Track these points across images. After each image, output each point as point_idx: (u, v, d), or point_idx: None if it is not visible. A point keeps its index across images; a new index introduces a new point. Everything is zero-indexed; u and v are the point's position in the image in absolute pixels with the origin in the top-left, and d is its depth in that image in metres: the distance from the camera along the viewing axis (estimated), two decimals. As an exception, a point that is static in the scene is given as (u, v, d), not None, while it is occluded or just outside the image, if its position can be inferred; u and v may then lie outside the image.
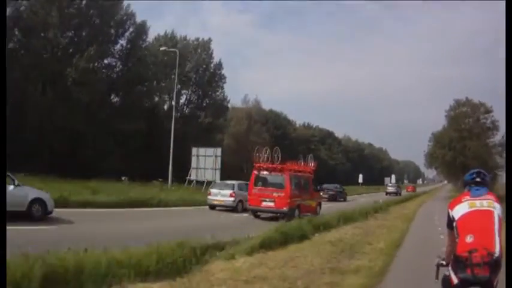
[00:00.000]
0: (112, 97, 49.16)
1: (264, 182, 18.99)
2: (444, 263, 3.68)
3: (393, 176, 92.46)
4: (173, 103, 44.49)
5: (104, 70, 45.75)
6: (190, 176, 32.21)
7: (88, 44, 40.00)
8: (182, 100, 56.11)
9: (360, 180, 78.31)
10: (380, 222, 18.67)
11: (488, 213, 3.39)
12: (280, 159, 20.94)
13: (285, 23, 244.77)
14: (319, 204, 21.59)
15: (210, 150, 31.86)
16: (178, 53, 36.46)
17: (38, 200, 12.43)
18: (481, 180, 3.67)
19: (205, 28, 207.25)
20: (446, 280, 3.42)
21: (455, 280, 3.25)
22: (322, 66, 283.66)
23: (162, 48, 42.51)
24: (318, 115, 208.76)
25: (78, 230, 11.41)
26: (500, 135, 53.70)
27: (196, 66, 54.92)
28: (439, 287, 3.60)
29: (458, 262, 3.25)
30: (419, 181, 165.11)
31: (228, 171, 60.03)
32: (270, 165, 19.48)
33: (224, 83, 58.20)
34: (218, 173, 31.91)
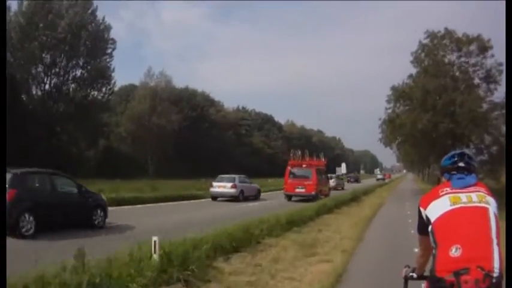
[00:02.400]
0: None
1: (295, 174, 26.49)
2: (415, 275, 2.95)
3: (343, 165, 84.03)
4: None
5: None
6: None
7: None
8: (55, 70, 44.61)
9: None
10: None
11: (481, 212, 2.44)
12: (308, 157, 30.96)
13: (239, 15, 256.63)
14: (329, 189, 30.60)
15: None
16: None
17: (258, 190, 27.06)
18: (465, 165, 2.67)
19: (161, 22, 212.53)
20: None
21: None
22: (278, 57, 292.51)
23: None
24: (274, 106, 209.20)
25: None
26: (503, 89, 33.59)
27: (72, 27, 43.49)
28: None
29: None
30: (377, 171, 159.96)
31: (128, 166, 50.15)
32: (301, 162, 28.70)
33: (113, 49, 47.60)
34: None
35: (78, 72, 45.89)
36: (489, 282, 2.19)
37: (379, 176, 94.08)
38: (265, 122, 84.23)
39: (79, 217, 11.25)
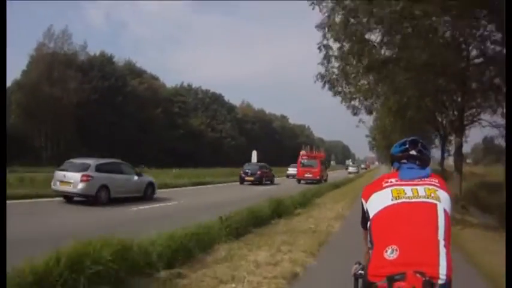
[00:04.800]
0: None
1: (304, 164, 36.63)
2: (364, 273, 2.61)
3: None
4: None
5: None
6: None
7: None
8: None
9: (254, 159, 59.75)
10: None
11: (427, 209, 2.25)
12: (314, 150, 43.52)
13: (217, 6, 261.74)
14: (327, 175, 40.38)
15: None
16: None
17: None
18: (417, 154, 2.54)
19: (138, 13, 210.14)
20: None
21: None
22: (259, 47, 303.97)
23: None
24: (254, 97, 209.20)
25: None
26: None
27: None
28: None
29: None
30: (349, 162, 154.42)
31: (18, 151, 40.90)
32: (308, 154, 38.73)
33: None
34: None
35: None
36: None
37: (362, 166, 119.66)
38: (213, 102, 75.69)
39: None
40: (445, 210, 2.20)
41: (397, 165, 2.51)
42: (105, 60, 51.29)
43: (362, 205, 2.47)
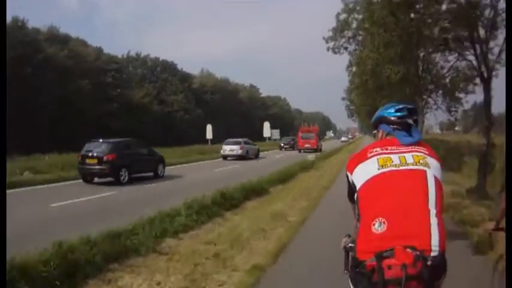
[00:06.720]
0: None
1: (304, 136, 48.15)
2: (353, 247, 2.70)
3: (267, 124, 69.72)
4: None
5: None
6: None
7: None
8: None
9: (209, 135, 54.50)
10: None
11: (416, 176, 2.19)
12: (310, 125, 58.92)
13: None
14: (321, 145, 52.14)
15: None
16: None
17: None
18: (413, 123, 2.46)
19: None
20: None
21: None
22: (236, 23, 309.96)
23: None
24: (231, 73, 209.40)
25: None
26: None
27: None
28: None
29: (359, 274, 2.05)
30: (331, 133, 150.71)
31: None
32: (306, 129, 52.60)
33: None
34: None
35: None
36: (421, 266, 1.87)
37: (350, 136, 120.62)
38: (163, 71, 69.85)
39: None
40: (435, 177, 2.14)
41: (388, 129, 2.41)
42: (16, 27, 44.96)
43: (347, 177, 2.42)
